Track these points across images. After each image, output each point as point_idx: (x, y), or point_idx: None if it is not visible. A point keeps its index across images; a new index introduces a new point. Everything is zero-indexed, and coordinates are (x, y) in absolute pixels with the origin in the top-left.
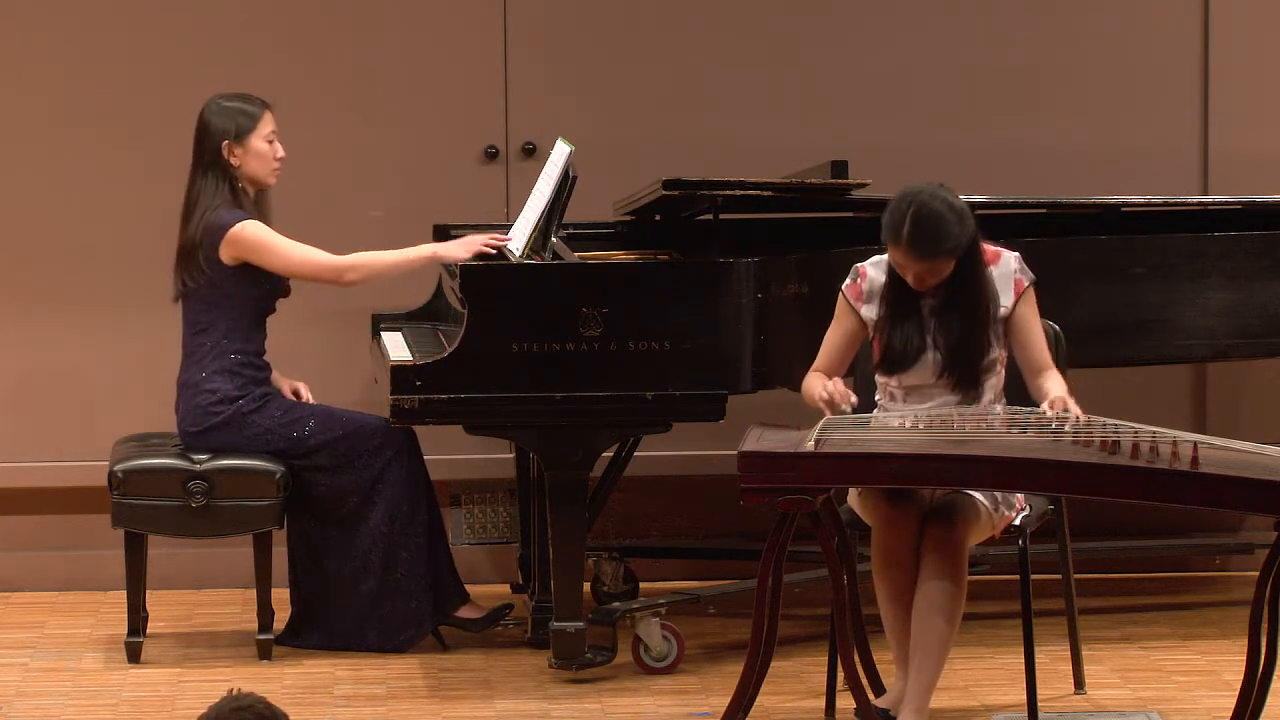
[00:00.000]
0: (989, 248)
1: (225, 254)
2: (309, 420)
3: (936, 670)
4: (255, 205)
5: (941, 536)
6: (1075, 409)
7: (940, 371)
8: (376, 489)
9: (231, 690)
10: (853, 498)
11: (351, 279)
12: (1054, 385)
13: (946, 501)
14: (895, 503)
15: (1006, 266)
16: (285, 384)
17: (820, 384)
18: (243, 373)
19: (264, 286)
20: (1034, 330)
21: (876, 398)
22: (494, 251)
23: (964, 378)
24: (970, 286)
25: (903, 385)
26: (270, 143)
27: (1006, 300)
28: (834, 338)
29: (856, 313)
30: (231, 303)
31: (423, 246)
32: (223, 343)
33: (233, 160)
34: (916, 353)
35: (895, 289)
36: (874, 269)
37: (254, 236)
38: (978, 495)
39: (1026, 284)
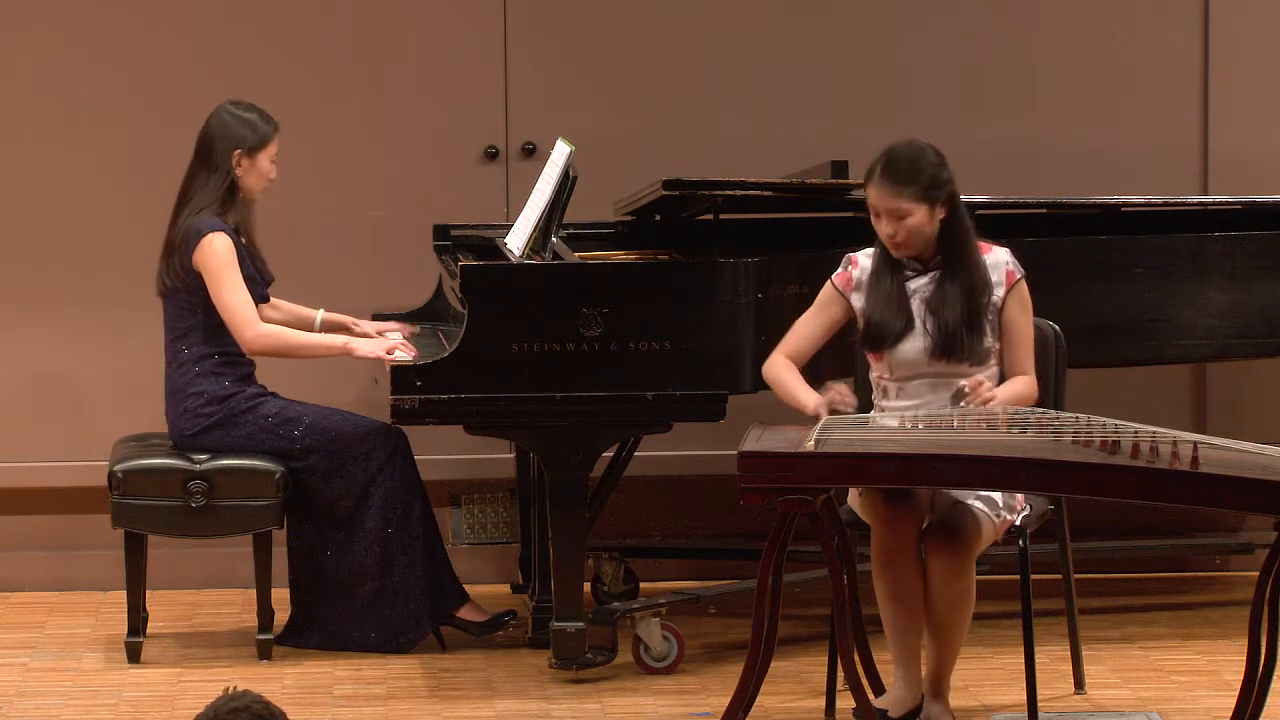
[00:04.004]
0: (980, 243)
1: (196, 260)
2: (302, 421)
3: (953, 661)
4: (249, 216)
5: (946, 561)
6: (985, 396)
7: (934, 349)
8: (369, 493)
9: (228, 689)
10: (853, 498)
11: (251, 337)
12: (1006, 385)
13: (949, 522)
14: (893, 503)
15: (997, 258)
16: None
17: (812, 396)
18: (227, 372)
19: None
20: (1019, 334)
21: (872, 396)
22: (405, 348)
23: (959, 348)
24: (958, 258)
25: (895, 376)
26: (272, 162)
27: (998, 291)
28: (812, 324)
29: (845, 300)
30: (209, 307)
31: (338, 337)
32: (202, 347)
33: (238, 170)
34: (902, 330)
35: (882, 267)
36: (866, 258)
37: (211, 252)
38: (978, 504)
39: (1018, 276)
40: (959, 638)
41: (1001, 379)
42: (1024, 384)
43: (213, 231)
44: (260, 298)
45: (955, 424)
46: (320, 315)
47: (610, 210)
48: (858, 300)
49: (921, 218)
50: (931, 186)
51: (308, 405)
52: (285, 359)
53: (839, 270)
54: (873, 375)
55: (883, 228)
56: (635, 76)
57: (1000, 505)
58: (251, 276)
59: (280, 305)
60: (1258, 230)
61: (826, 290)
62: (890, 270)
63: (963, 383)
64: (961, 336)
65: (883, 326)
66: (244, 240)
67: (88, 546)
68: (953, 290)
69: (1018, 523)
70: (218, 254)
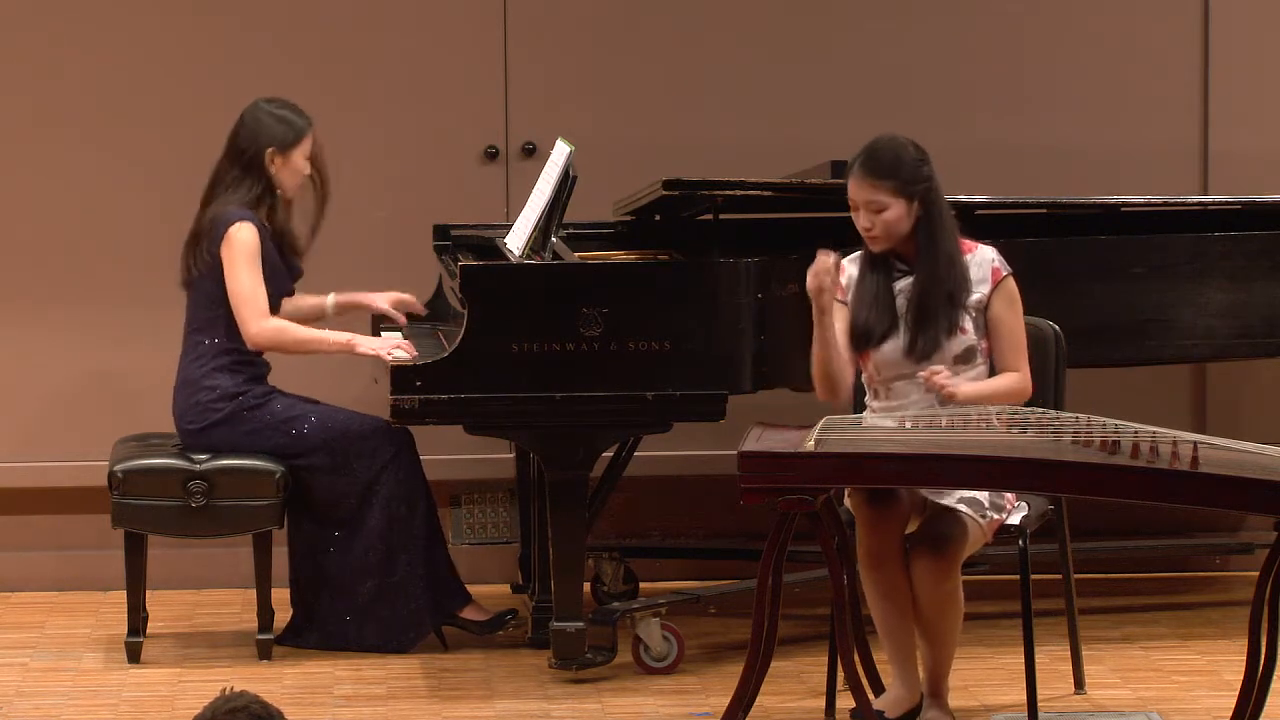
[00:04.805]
0: (965, 241)
1: (222, 248)
2: (309, 418)
3: (948, 662)
4: (283, 211)
5: (930, 565)
6: (942, 384)
7: (909, 344)
8: (373, 491)
9: (225, 690)
10: (848, 498)
11: (255, 330)
12: (989, 380)
13: (933, 529)
14: (876, 504)
15: (983, 256)
16: (379, 300)
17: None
18: (242, 370)
19: (266, 287)
20: (1006, 331)
21: (865, 398)
22: (405, 348)
23: (926, 342)
24: (934, 255)
25: (882, 378)
26: (306, 159)
27: (983, 289)
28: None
29: (840, 303)
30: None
31: (342, 335)
32: (221, 341)
33: (272, 169)
34: (886, 330)
35: (868, 267)
36: (852, 264)
37: (236, 241)
38: (964, 508)
39: (1005, 273)
40: (951, 640)
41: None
42: (1010, 380)
43: (240, 220)
44: (285, 291)
45: (956, 424)
46: (331, 299)
47: (610, 210)
48: (850, 306)
49: (899, 211)
50: (910, 181)
51: (314, 403)
52: (290, 355)
53: None
54: (864, 376)
55: (860, 220)
56: (635, 76)
57: (986, 505)
58: (277, 269)
59: (293, 298)
60: (1258, 230)
61: None
62: (876, 271)
63: (920, 375)
64: (930, 333)
65: (866, 326)
66: (271, 233)
67: (88, 546)
68: (927, 287)
69: (1012, 521)
70: (242, 243)
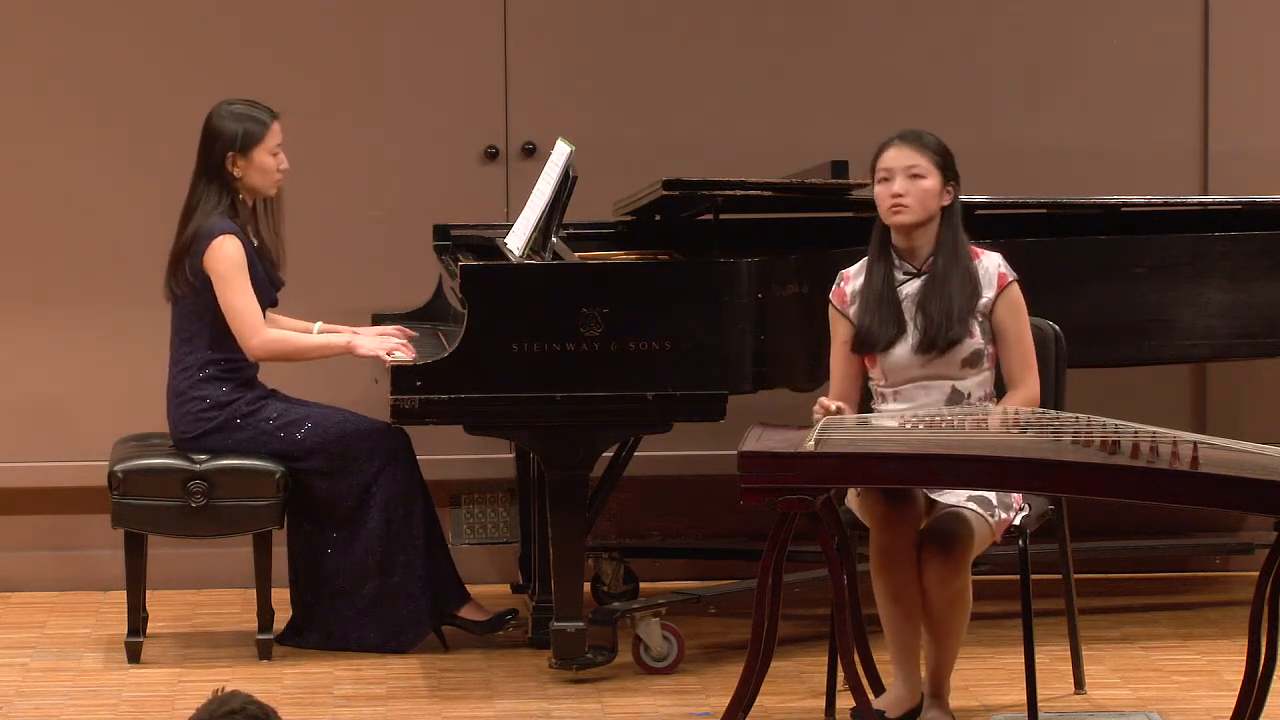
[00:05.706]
0: (972, 248)
1: (206, 262)
2: (305, 423)
3: (952, 661)
4: (266, 213)
5: (940, 565)
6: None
7: (918, 343)
8: (371, 493)
9: (218, 690)
10: (851, 499)
11: (256, 344)
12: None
13: (942, 528)
14: (892, 503)
15: (989, 261)
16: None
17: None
18: (230, 378)
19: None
20: (1013, 338)
21: (871, 402)
22: (405, 349)
23: (940, 338)
24: (947, 254)
25: (890, 382)
26: (274, 155)
27: (989, 293)
28: (839, 357)
29: (846, 317)
30: (217, 312)
31: (341, 335)
32: (208, 352)
33: (235, 171)
34: (894, 335)
35: (875, 272)
36: (857, 272)
37: (221, 255)
38: (973, 506)
39: (1010, 279)
40: (957, 639)
41: (998, 384)
42: (1017, 401)
43: (223, 234)
44: (270, 301)
45: (955, 424)
46: (317, 327)
47: (610, 210)
48: (854, 313)
49: (935, 184)
50: (947, 162)
51: (310, 406)
52: (290, 363)
53: (834, 288)
54: (870, 381)
55: (893, 188)
56: (635, 76)
57: (995, 504)
58: (260, 281)
59: (278, 320)
60: (1258, 230)
61: (830, 314)
62: (881, 273)
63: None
64: (943, 327)
65: (872, 329)
66: (255, 243)
67: (88, 546)
68: (939, 284)
69: (1016, 522)
70: (227, 257)
